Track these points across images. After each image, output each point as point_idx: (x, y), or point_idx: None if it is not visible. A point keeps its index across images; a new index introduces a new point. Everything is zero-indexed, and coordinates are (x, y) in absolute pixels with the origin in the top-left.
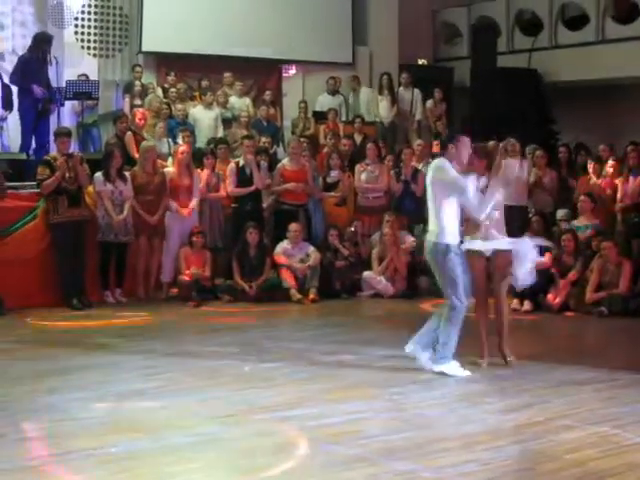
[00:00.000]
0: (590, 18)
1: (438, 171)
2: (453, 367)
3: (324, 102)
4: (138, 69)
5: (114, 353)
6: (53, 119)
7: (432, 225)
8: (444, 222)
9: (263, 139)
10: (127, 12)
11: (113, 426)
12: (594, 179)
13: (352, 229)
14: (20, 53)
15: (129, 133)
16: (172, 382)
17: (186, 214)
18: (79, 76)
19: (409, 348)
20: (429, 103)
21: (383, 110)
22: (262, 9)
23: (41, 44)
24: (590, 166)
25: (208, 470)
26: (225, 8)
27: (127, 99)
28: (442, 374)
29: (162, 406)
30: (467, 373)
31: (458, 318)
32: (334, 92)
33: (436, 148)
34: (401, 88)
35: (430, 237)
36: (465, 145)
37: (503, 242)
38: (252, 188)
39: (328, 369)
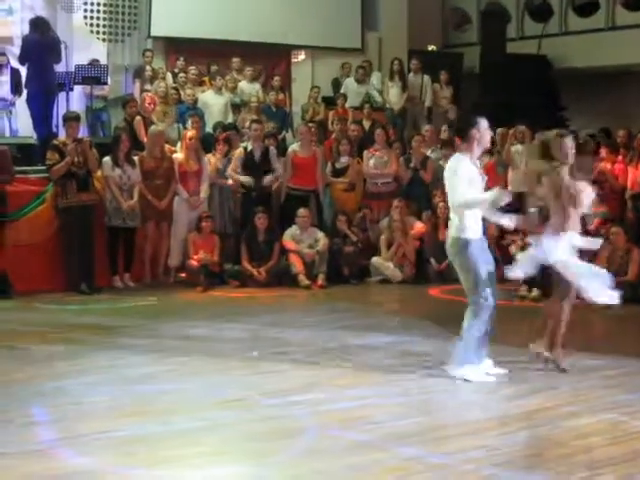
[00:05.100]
0: (600, 5)
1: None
2: (475, 372)
3: (350, 88)
4: (148, 54)
5: (122, 337)
6: (62, 103)
7: (454, 219)
8: (465, 217)
9: (272, 125)
10: None
11: (121, 410)
12: (609, 165)
13: (361, 214)
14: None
15: (138, 117)
16: (180, 366)
17: (196, 206)
18: (92, 60)
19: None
20: (435, 86)
21: (393, 96)
22: None
23: (45, 26)
24: (603, 151)
25: (216, 454)
26: None
27: (137, 84)
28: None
29: (170, 390)
30: (491, 378)
31: (482, 318)
32: (362, 81)
33: (445, 134)
34: (411, 74)
35: (453, 232)
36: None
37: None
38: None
39: (336, 355)
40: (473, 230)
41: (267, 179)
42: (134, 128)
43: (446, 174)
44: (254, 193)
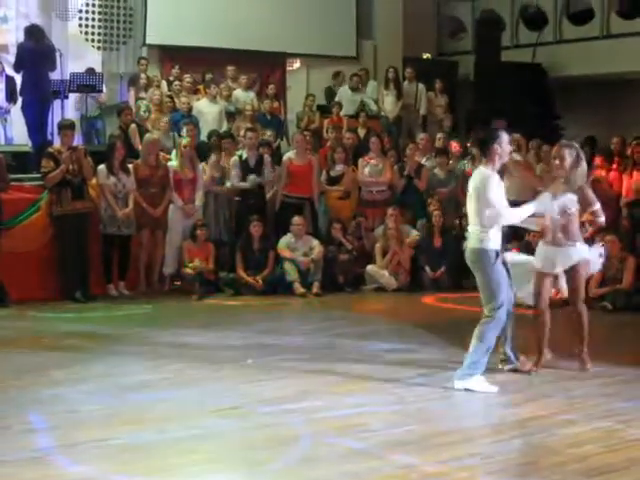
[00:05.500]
0: (595, 13)
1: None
2: (479, 382)
3: (345, 96)
4: (143, 62)
5: (117, 345)
6: (57, 111)
7: (474, 230)
8: (486, 228)
9: (268, 133)
10: (131, 4)
11: (117, 418)
12: (603, 173)
13: (356, 222)
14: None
15: (133, 125)
16: (175, 374)
17: (191, 214)
18: (89, 69)
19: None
20: (430, 94)
21: (388, 104)
22: (266, 2)
23: (40, 34)
24: (598, 160)
25: (211, 462)
26: (229, 1)
27: (132, 92)
28: (466, 389)
29: (165, 398)
30: (494, 389)
31: (496, 329)
32: (356, 89)
33: (440, 142)
34: (405, 82)
35: (473, 243)
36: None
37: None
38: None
39: (331, 362)
40: (494, 241)
41: (251, 178)
42: (129, 136)
43: (472, 187)
44: (251, 201)
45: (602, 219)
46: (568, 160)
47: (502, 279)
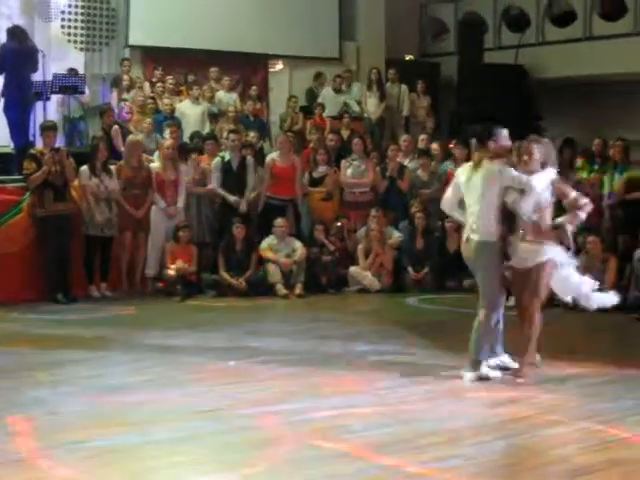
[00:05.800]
0: (577, 15)
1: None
2: (487, 369)
3: (328, 97)
4: (126, 63)
5: (99, 347)
6: (39, 113)
7: (479, 222)
8: (493, 222)
9: (251, 134)
10: (114, 6)
11: (98, 420)
12: (585, 175)
13: (339, 224)
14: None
15: (115, 127)
16: (157, 377)
17: (173, 215)
18: (69, 70)
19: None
20: (413, 96)
21: (371, 106)
22: (249, 3)
23: (23, 35)
24: (579, 162)
25: (193, 465)
26: (212, 2)
27: (115, 93)
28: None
29: (147, 400)
30: (499, 374)
31: (494, 319)
32: (339, 90)
33: (422, 144)
34: (388, 84)
35: (479, 236)
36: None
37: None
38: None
39: (314, 364)
40: (497, 234)
41: (243, 205)
42: (111, 137)
43: (476, 180)
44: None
45: (586, 200)
46: (536, 155)
47: (500, 270)
